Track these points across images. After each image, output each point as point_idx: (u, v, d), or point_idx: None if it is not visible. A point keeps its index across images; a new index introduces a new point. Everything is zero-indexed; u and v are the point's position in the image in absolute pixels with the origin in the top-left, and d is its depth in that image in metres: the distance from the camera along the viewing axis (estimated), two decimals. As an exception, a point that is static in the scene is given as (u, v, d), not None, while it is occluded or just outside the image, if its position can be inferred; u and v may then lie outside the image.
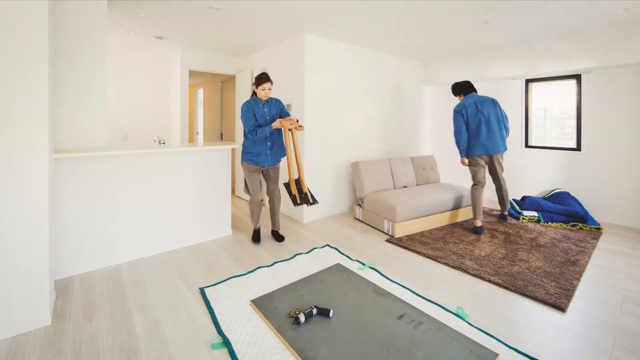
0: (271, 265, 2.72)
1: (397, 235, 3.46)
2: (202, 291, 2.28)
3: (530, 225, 3.82)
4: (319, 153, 4.08)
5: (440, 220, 3.85)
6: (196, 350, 1.72)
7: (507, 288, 2.39)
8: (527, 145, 4.74)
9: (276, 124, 2.89)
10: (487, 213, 4.28)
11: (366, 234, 3.56)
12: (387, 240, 3.33)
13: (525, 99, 4.73)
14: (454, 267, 2.73)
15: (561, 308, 2.11)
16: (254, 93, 3.04)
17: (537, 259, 2.89)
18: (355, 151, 4.53)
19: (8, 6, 1.75)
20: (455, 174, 5.58)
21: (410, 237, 3.43)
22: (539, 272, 2.63)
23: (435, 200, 3.79)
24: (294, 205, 2.99)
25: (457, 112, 3.62)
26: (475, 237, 3.42)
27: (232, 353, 1.67)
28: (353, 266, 2.72)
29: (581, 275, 2.58)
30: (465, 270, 2.66)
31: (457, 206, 4.05)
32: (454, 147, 5.61)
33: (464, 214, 4.10)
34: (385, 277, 2.54)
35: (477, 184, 3.65)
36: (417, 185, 4.49)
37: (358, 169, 4.07)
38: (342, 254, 2.97)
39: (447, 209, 3.93)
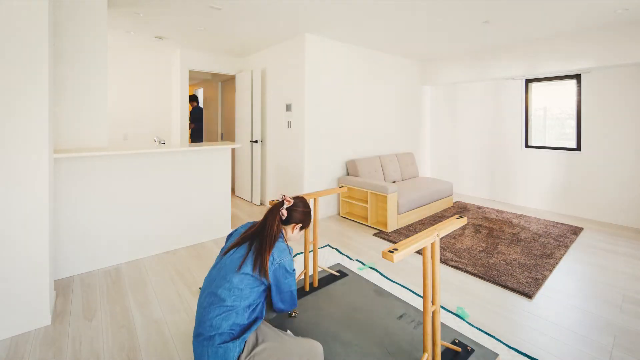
0: (271, 265, 2.72)
1: (399, 227, 3.72)
2: (202, 291, 2.28)
3: (515, 220, 3.96)
4: (319, 152, 4.08)
5: (429, 210, 4.25)
6: (196, 350, 1.71)
7: (481, 277, 2.51)
8: (527, 146, 4.74)
9: None
10: (475, 210, 4.29)
11: (365, 232, 3.56)
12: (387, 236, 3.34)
13: (525, 99, 4.73)
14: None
15: (528, 295, 2.26)
16: None
17: (515, 252, 3.00)
18: (355, 149, 4.54)
19: (8, 6, 1.75)
20: (451, 172, 5.58)
21: (409, 228, 3.69)
22: (514, 263, 2.74)
23: (427, 192, 4.20)
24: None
25: None
26: (459, 231, 3.54)
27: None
28: (353, 266, 2.72)
29: (554, 267, 2.70)
30: (445, 263, 2.78)
31: (441, 197, 4.47)
32: (452, 146, 5.62)
33: (446, 203, 4.61)
34: (385, 277, 2.54)
35: None
36: (402, 180, 4.80)
37: (355, 166, 4.20)
38: (342, 254, 2.98)
39: (434, 200, 4.34)
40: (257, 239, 1.47)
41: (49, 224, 1.92)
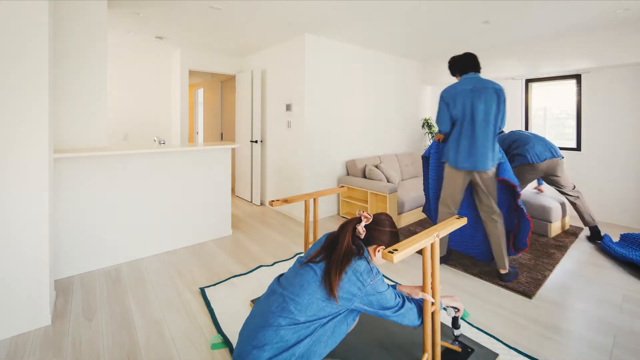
0: (271, 265, 2.72)
1: (399, 226, 3.69)
2: (202, 291, 2.28)
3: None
4: (319, 151, 4.08)
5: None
6: (196, 350, 1.72)
7: (481, 277, 2.53)
8: (527, 145, 4.73)
9: None
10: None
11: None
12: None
13: (525, 99, 4.73)
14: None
15: (528, 295, 2.27)
16: None
17: None
18: (355, 149, 4.54)
19: (8, 6, 1.75)
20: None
21: (409, 228, 3.63)
22: (514, 263, 2.77)
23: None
24: None
25: (442, 99, 2.52)
26: None
27: (232, 352, 1.67)
28: (353, 266, 2.72)
29: (554, 267, 2.71)
30: (445, 263, 2.78)
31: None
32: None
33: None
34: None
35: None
36: (402, 180, 4.77)
37: (355, 166, 4.19)
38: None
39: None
40: (328, 258, 1.33)
41: (49, 224, 1.92)
